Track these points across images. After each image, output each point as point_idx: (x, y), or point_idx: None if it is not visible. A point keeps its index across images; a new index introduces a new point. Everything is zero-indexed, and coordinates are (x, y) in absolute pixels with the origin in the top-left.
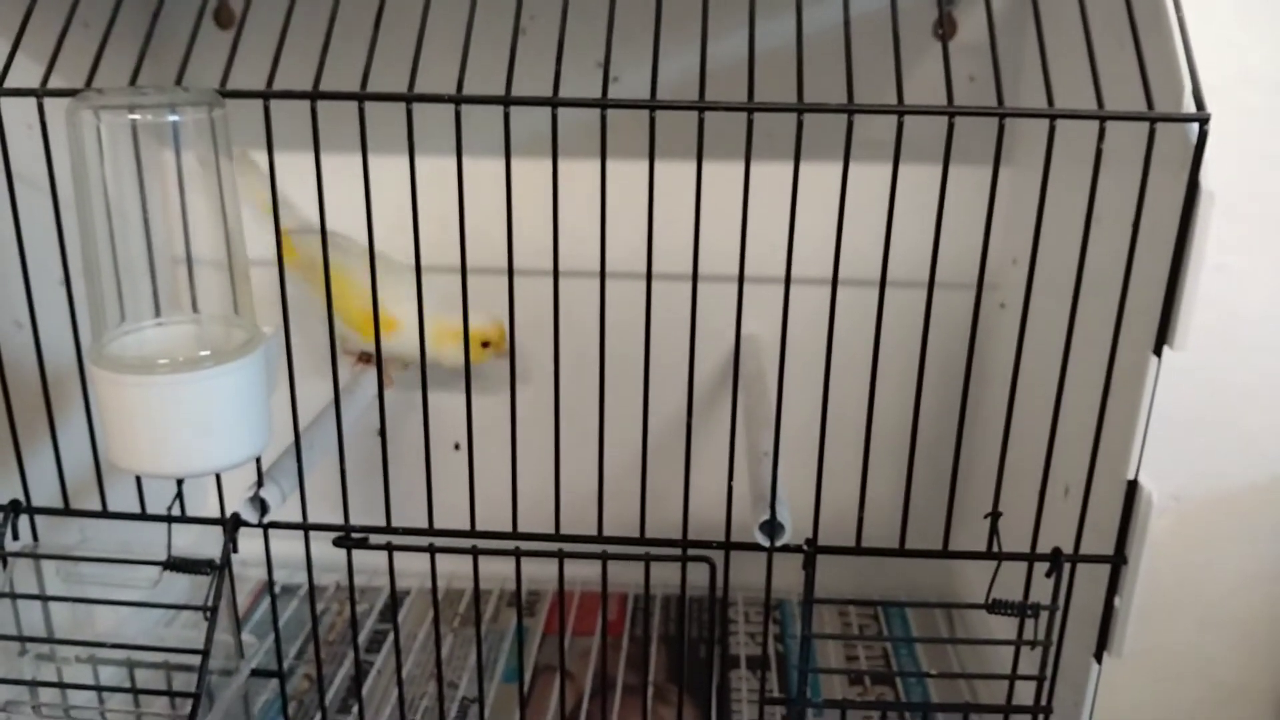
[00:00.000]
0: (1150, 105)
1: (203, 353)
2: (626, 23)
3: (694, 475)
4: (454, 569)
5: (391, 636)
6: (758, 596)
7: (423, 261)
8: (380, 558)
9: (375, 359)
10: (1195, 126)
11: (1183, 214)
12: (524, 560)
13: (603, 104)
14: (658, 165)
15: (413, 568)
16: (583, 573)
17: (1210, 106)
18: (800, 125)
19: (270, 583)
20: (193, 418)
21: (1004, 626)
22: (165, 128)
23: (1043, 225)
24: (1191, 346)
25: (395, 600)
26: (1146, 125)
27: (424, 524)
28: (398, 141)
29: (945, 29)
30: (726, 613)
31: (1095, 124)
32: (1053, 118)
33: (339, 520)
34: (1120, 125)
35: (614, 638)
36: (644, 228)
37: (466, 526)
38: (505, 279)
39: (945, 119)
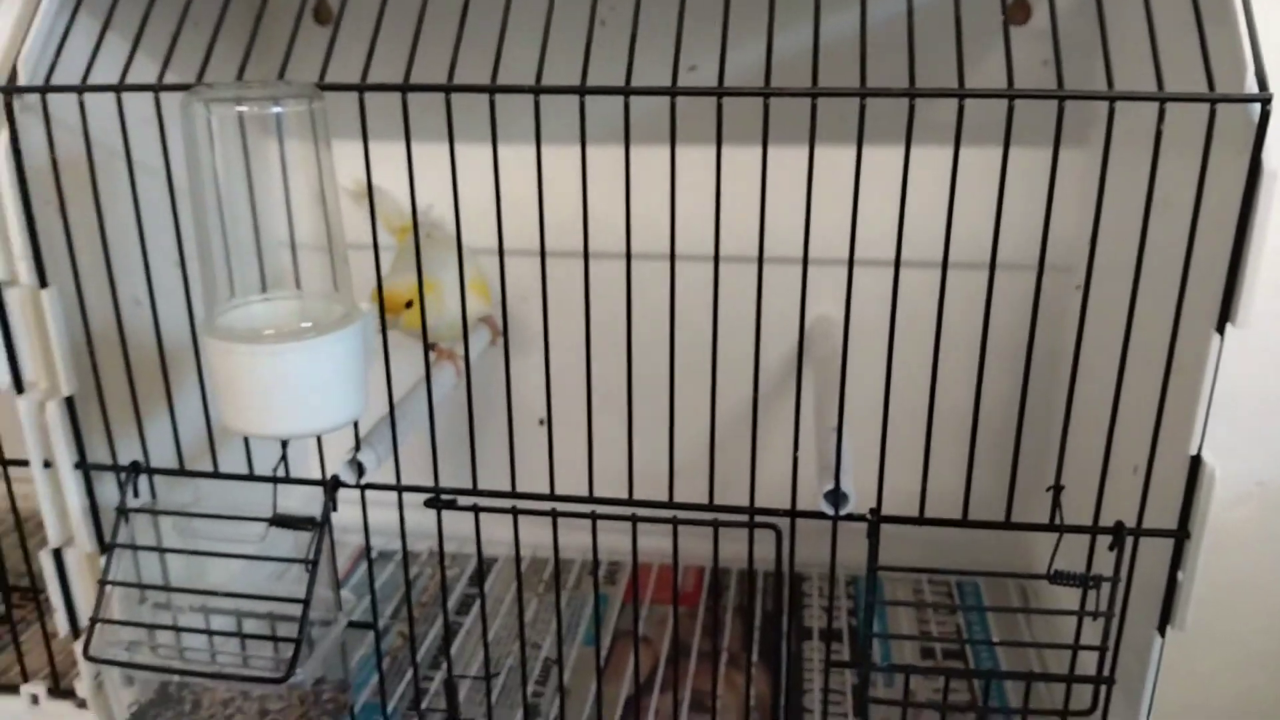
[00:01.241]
0: (1211, 86)
1: (305, 324)
2: (705, 15)
3: (766, 452)
4: (537, 539)
5: (480, 594)
6: (825, 570)
7: (506, 245)
8: (469, 526)
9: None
10: (1258, 107)
11: (1245, 194)
12: (603, 532)
13: (672, 91)
14: (733, 150)
15: (499, 535)
16: (658, 544)
17: (1273, 87)
18: (863, 109)
19: (366, 540)
20: (296, 383)
21: (1075, 599)
22: (269, 119)
23: (1114, 207)
24: (1260, 327)
25: (481, 558)
26: (1209, 106)
27: (508, 489)
28: (483, 129)
29: (1009, 13)
30: (793, 579)
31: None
32: (1112, 99)
33: (431, 484)
34: (1186, 106)
35: (690, 608)
36: (716, 211)
37: (548, 490)
38: (579, 262)
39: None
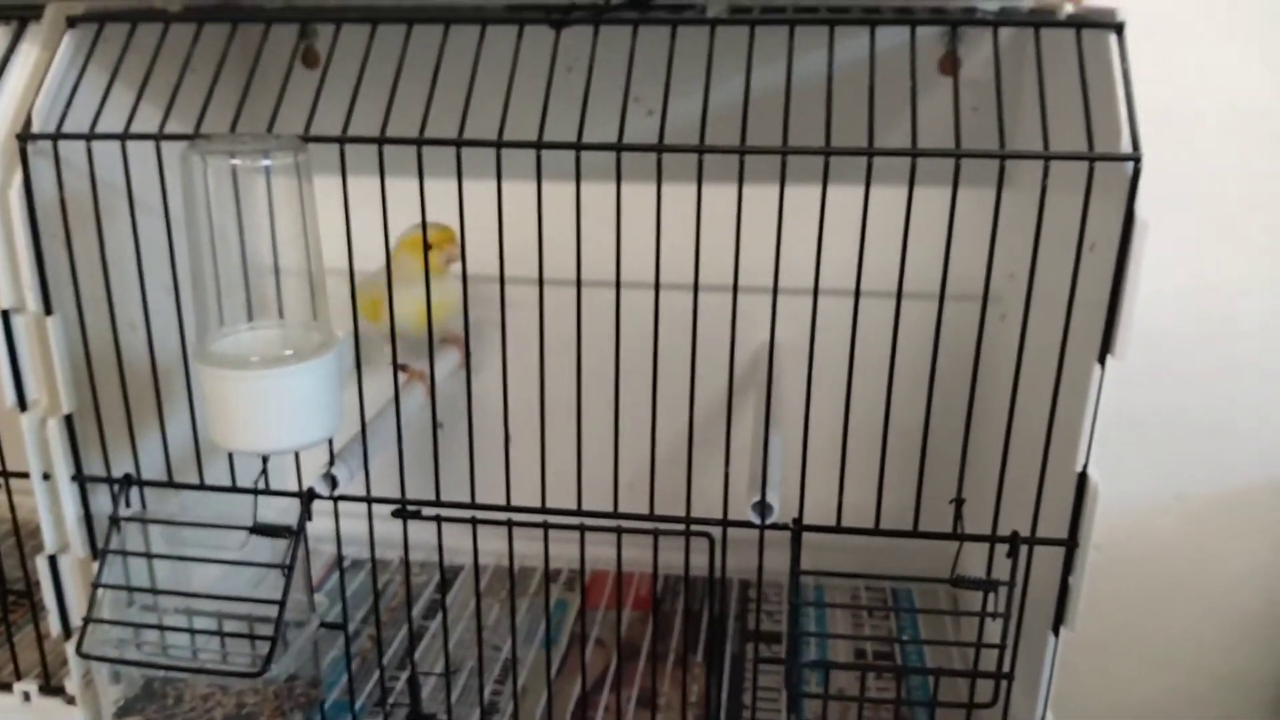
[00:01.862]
0: (1091, 146)
1: (287, 351)
2: (662, 62)
3: (710, 466)
4: (501, 549)
5: (443, 597)
6: (774, 579)
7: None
8: (434, 537)
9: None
10: (1131, 165)
11: (1121, 240)
12: (561, 543)
13: (618, 147)
14: (679, 189)
15: (465, 545)
16: (611, 553)
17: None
18: (827, 166)
19: (339, 546)
20: (278, 405)
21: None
22: (259, 170)
23: (1027, 245)
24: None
25: (443, 565)
26: (1088, 164)
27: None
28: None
29: (940, 65)
30: (739, 585)
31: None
32: (1003, 158)
33: (398, 495)
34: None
35: (643, 612)
36: (656, 248)
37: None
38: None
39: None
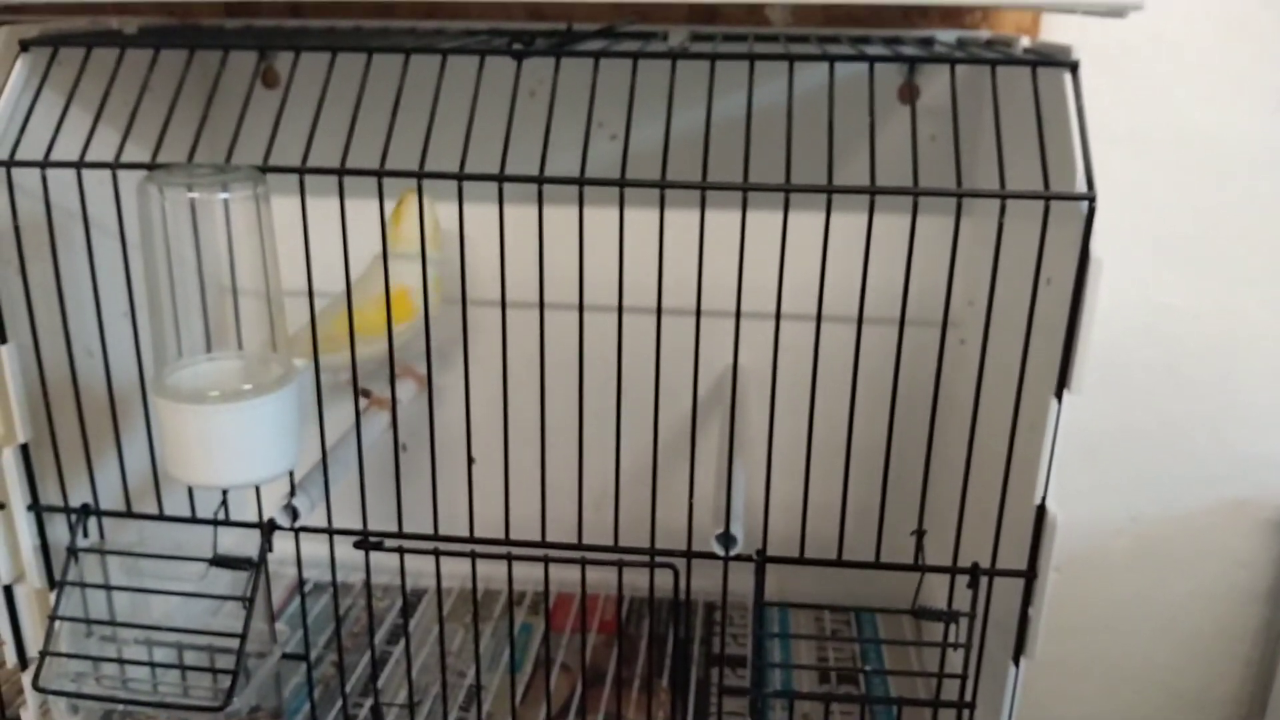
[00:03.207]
0: (1046, 185)
1: (246, 386)
2: (623, 87)
3: (674, 492)
4: (464, 571)
5: (403, 632)
6: (740, 601)
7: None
8: (396, 562)
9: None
10: (1085, 204)
11: (1076, 277)
12: (525, 566)
13: (580, 181)
14: (644, 213)
15: (428, 569)
16: (575, 575)
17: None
18: (787, 203)
19: (300, 579)
20: (237, 439)
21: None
22: (217, 202)
23: (987, 275)
24: (1092, 386)
25: (405, 595)
26: (1044, 203)
27: (432, 531)
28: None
29: (900, 93)
30: (704, 609)
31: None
32: (960, 195)
33: (359, 525)
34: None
35: (608, 635)
36: (637, 268)
37: (467, 533)
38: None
39: (911, 174)
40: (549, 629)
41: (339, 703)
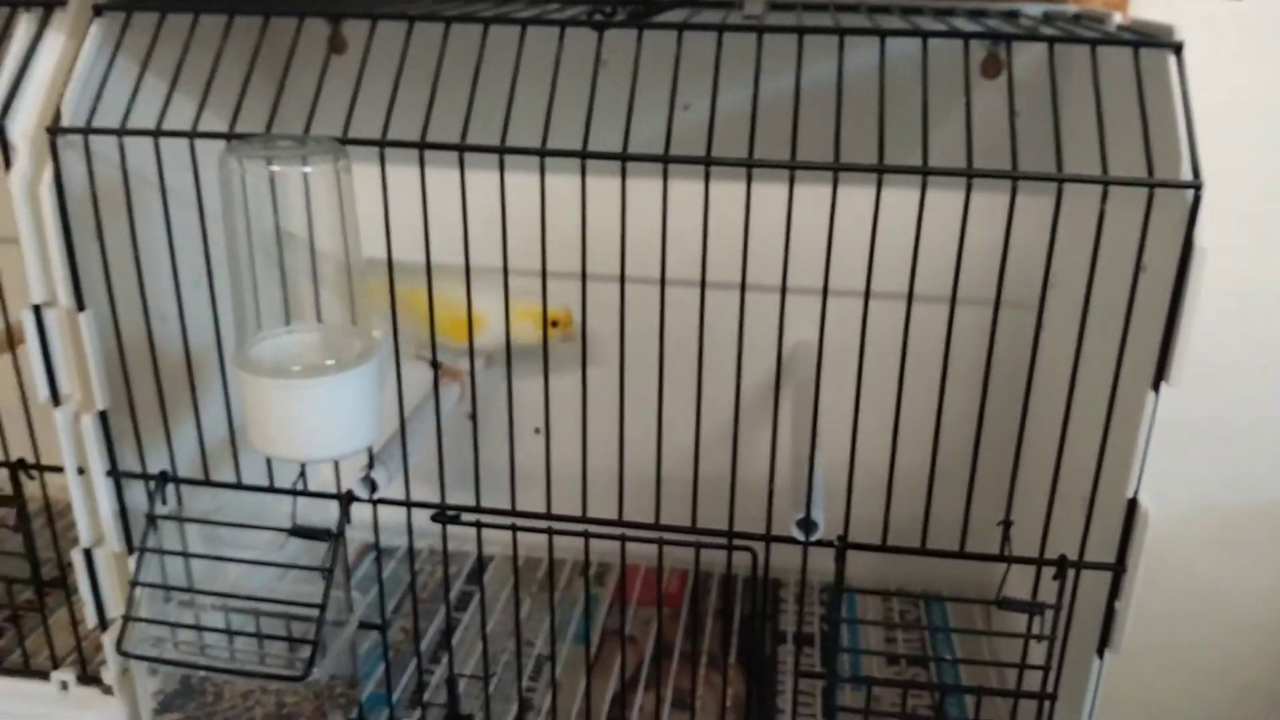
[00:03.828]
0: (1150, 171)
1: (329, 361)
2: (699, 57)
3: (747, 470)
4: (534, 539)
5: (478, 597)
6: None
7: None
8: (469, 529)
9: (471, 363)
10: (1191, 192)
11: (1179, 268)
12: (593, 539)
13: (623, 156)
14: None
15: (498, 536)
16: (646, 550)
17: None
18: (836, 181)
19: (378, 557)
20: (318, 414)
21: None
22: (297, 175)
23: (1078, 256)
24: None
25: (481, 569)
26: (1148, 190)
27: (508, 503)
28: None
29: (983, 68)
30: (769, 594)
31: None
32: (1060, 181)
33: (436, 497)
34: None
35: (674, 608)
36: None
37: (544, 504)
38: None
39: (993, 152)
40: (625, 609)
41: (412, 667)
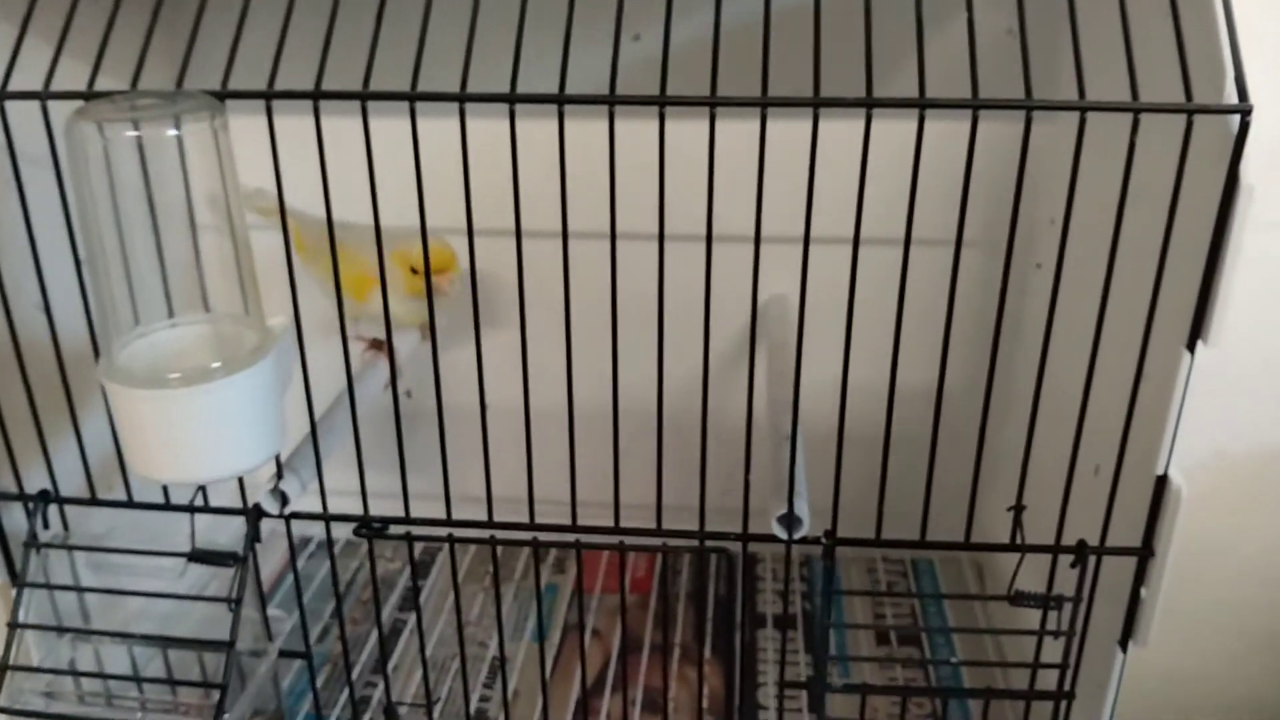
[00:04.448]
0: (1189, 96)
1: (214, 364)
2: None
3: (718, 447)
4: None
5: (413, 616)
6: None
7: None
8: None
9: (386, 335)
10: (1236, 118)
11: (1220, 208)
12: (547, 514)
13: (560, 100)
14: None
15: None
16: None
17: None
18: (816, 119)
19: (295, 573)
20: (207, 428)
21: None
22: (168, 140)
23: (1087, 200)
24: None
25: (416, 590)
26: (1186, 117)
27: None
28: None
29: None
30: (749, 599)
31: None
32: (1083, 110)
33: (360, 501)
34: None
35: (641, 594)
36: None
37: (483, 491)
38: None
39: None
40: (584, 643)
41: (345, 699)
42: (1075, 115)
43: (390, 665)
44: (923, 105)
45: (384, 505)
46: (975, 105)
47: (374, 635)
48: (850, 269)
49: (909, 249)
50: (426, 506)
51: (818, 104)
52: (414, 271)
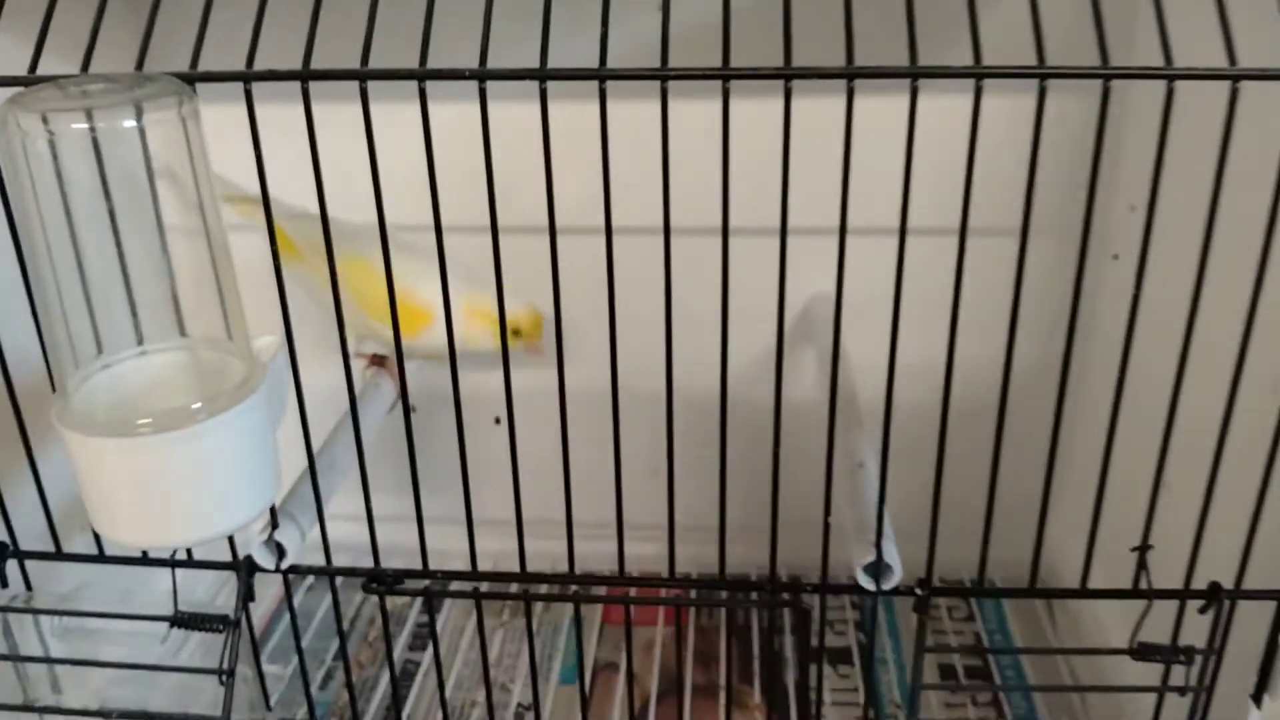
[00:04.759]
0: None
1: (194, 404)
2: None
3: (745, 460)
4: (500, 547)
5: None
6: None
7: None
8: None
9: (397, 358)
10: None
11: None
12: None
13: (540, 75)
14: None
15: (453, 548)
16: (646, 550)
17: None
18: (851, 92)
19: (296, 637)
20: (188, 482)
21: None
22: (126, 132)
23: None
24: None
25: (438, 649)
26: None
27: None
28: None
29: None
30: (822, 658)
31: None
32: (1171, 78)
33: (365, 531)
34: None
35: (680, 626)
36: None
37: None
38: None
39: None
40: (632, 692)
41: None
42: (1158, 86)
43: (404, 714)
44: (979, 75)
45: (392, 532)
46: (1042, 74)
47: (384, 681)
48: (897, 264)
49: (964, 241)
50: (441, 533)
51: (851, 74)
52: (515, 333)
